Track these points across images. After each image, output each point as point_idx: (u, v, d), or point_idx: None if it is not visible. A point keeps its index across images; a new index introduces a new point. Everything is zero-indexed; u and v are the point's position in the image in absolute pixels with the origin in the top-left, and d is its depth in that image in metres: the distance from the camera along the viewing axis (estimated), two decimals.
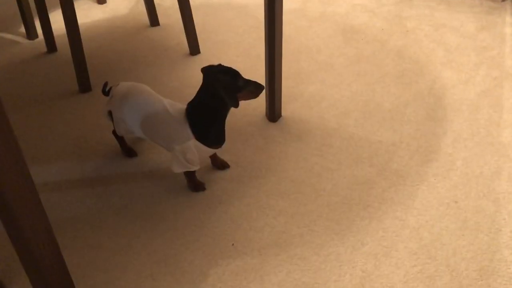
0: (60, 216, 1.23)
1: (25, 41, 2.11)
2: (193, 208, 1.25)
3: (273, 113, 1.56)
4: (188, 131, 1.19)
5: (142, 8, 2.29)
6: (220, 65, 1.21)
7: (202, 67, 1.21)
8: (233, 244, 1.15)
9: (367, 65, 1.86)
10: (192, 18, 1.89)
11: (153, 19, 2.19)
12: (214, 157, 1.36)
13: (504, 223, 1.18)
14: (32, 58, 1.98)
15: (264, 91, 1.23)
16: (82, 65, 1.69)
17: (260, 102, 1.54)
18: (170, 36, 2.10)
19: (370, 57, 1.91)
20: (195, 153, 1.21)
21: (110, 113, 1.33)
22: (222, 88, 1.15)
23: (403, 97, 1.67)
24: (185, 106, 1.22)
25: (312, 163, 1.39)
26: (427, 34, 2.07)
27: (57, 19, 2.11)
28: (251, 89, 1.21)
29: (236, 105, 1.17)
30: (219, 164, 1.38)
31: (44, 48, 2.02)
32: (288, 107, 1.63)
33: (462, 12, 2.25)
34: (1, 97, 0.66)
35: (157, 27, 2.18)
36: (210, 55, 1.95)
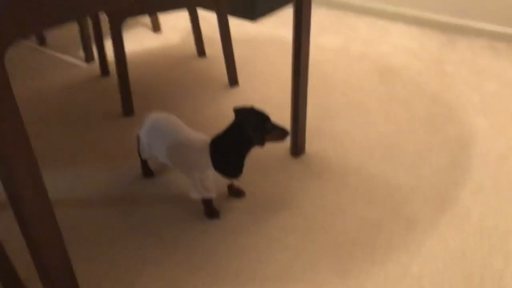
0: (79, 228, 1.35)
1: (83, 64, 2.31)
2: (205, 234, 1.32)
3: (296, 148, 1.62)
4: (208, 161, 1.27)
5: (193, 38, 2.44)
6: (252, 108, 1.29)
7: (235, 106, 1.30)
8: (236, 275, 1.20)
9: (399, 107, 1.88)
10: (232, 51, 2.00)
11: (200, 50, 2.33)
12: (230, 185, 1.44)
13: (511, 282, 1.16)
14: (87, 80, 2.16)
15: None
16: (126, 90, 1.84)
17: None
18: (213, 67, 2.23)
19: (403, 99, 1.93)
20: (212, 181, 1.30)
21: (138, 137, 1.44)
22: (251, 128, 1.24)
23: (429, 142, 1.67)
24: (208, 137, 1.31)
25: (327, 201, 1.43)
26: (465, 79, 2.06)
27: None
28: (277, 133, 1.29)
29: (262, 145, 1.26)
30: (235, 192, 1.45)
31: (98, 71, 2.21)
32: (313, 143, 1.68)
33: (508, 59, 2.21)
34: (21, 114, 0.77)
35: (203, 58, 2.32)
36: (247, 88, 2.05)
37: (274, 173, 1.55)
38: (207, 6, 1.87)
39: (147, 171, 1.54)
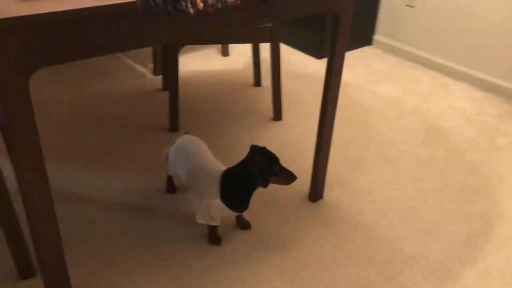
0: (94, 227, 1.50)
1: (150, 75, 2.52)
2: (201, 258, 1.41)
3: (313, 193, 1.66)
4: (216, 191, 1.37)
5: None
6: (265, 148, 1.37)
7: (253, 144, 1.39)
8: None
9: (432, 171, 1.85)
10: (280, 86, 2.09)
11: (257, 80, 2.45)
12: (238, 216, 1.52)
13: None
14: (148, 91, 2.36)
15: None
16: (175, 107, 1.99)
17: (307, 180, 1.67)
18: (263, 98, 2.33)
19: (440, 164, 1.89)
20: (218, 211, 1.39)
21: (167, 155, 1.57)
22: (257, 168, 1.32)
23: (451, 214, 1.63)
24: (224, 168, 1.40)
25: (325, 251, 1.46)
26: None
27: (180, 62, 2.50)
28: (284, 176, 1.36)
29: (265, 186, 1.33)
30: (241, 223, 1.53)
31: (161, 85, 2.40)
32: (333, 191, 1.71)
33: None
34: (34, 114, 0.91)
35: (257, 88, 2.43)
36: (290, 123, 2.12)
37: (285, 214, 1.60)
38: (262, 41, 1.98)
39: (171, 187, 1.67)
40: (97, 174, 1.74)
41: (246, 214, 1.56)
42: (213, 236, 1.47)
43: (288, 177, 1.36)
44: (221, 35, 1.90)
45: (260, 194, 1.68)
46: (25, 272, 1.32)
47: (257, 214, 1.58)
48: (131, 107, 2.20)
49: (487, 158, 1.94)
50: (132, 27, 0.95)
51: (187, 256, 1.42)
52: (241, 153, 1.88)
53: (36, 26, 0.83)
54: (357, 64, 2.76)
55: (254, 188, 1.36)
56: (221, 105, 2.25)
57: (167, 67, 1.95)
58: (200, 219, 1.41)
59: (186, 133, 1.56)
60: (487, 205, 1.69)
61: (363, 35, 2.98)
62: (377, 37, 3.00)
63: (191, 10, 0.99)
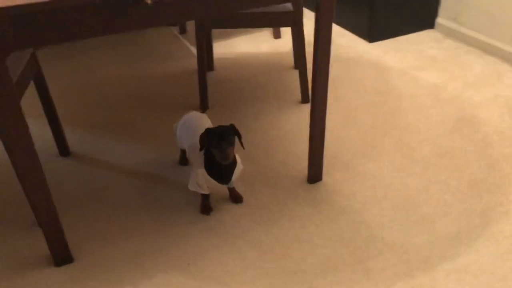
0: (103, 188, 1.71)
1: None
2: (190, 224, 1.57)
3: (311, 175, 1.72)
4: (202, 162, 1.50)
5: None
6: (231, 125, 1.47)
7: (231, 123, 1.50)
8: (188, 264, 1.43)
9: (448, 162, 1.79)
10: (305, 68, 2.13)
11: (296, 63, 2.50)
12: (231, 189, 1.64)
13: None
14: (193, 71, 2.54)
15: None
16: (203, 87, 2.14)
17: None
18: (297, 81, 2.38)
19: (459, 156, 1.82)
20: (204, 181, 1.52)
21: (176, 129, 1.73)
22: (210, 141, 1.44)
23: (450, 207, 1.59)
24: None
25: (305, 230, 1.53)
26: None
27: (219, 45, 2.67)
28: (217, 153, 1.44)
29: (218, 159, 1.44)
30: (233, 196, 1.65)
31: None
32: (334, 174, 1.75)
33: None
34: (12, 82, 1.12)
35: (295, 71, 2.48)
36: None
37: (279, 192, 1.69)
38: (284, 25, 2.04)
39: (182, 160, 1.84)
40: (123, 145, 1.97)
41: (241, 189, 1.67)
42: (204, 206, 1.61)
43: (218, 154, 1.43)
44: (243, 20, 2.00)
45: (260, 172, 1.78)
46: None
47: (253, 190, 1.69)
48: (173, 86, 2.40)
49: None
50: (96, 16, 1.11)
51: (179, 221, 1.58)
52: (260, 134, 1.98)
53: (8, 16, 1.02)
54: (408, 48, 2.67)
55: (217, 160, 1.46)
56: (255, 87, 2.36)
57: (203, 48, 2.10)
58: (190, 186, 1.56)
59: (193, 110, 1.71)
60: (494, 202, 1.61)
61: (424, 18, 2.85)
62: (439, 20, 2.85)
63: (149, 1, 1.12)
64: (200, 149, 1.46)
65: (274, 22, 2.04)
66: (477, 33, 2.61)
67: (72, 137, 2.01)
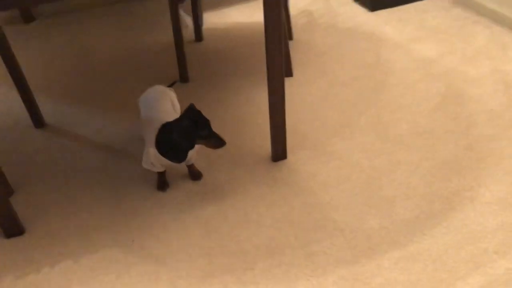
0: (70, 159, 1.72)
1: (190, 27, 2.64)
2: (144, 200, 1.56)
3: (274, 153, 1.66)
4: (153, 140, 1.47)
5: (297, 20, 2.50)
6: (199, 112, 1.42)
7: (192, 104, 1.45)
8: (133, 241, 1.42)
9: (423, 142, 1.68)
10: (285, 40, 2.04)
11: (289, 35, 2.40)
12: (189, 167, 1.61)
13: None
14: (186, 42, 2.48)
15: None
16: (181, 58, 2.10)
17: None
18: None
19: (438, 135, 1.70)
20: (155, 159, 1.50)
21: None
22: (178, 132, 1.39)
23: (414, 190, 1.50)
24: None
25: (256, 210, 1.48)
26: None
27: (211, 15, 2.59)
28: (212, 141, 1.42)
29: (190, 148, 1.40)
30: (191, 173, 1.62)
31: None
32: (299, 153, 1.68)
33: None
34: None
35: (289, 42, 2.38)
36: (298, 81, 2.08)
37: (240, 170, 1.64)
38: None
39: None
40: (98, 117, 1.97)
41: (201, 165, 1.64)
42: (159, 182, 1.59)
43: (215, 142, 1.41)
44: None
45: (225, 149, 1.73)
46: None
47: (214, 167, 1.66)
48: (159, 57, 2.37)
49: (499, 134, 1.68)
50: None
51: (133, 196, 1.58)
52: (234, 109, 1.92)
53: None
54: (410, 17, 2.50)
55: (182, 145, 1.42)
56: (240, 58, 2.29)
57: (178, 17, 2.04)
58: (144, 164, 1.54)
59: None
60: (464, 186, 1.50)
61: None
62: None
63: None
64: (190, 148, 1.42)
65: None
66: (488, 0, 2.40)
67: (49, 108, 2.03)
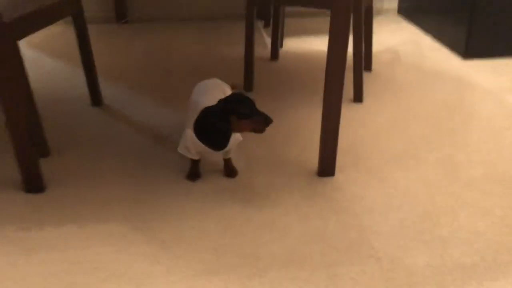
0: (109, 138, 1.66)
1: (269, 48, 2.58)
2: (169, 183, 1.44)
3: (320, 166, 1.48)
4: (192, 122, 1.37)
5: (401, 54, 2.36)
6: (241, 94, 1.31)
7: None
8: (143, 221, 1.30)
9: (500, 191, 1.41)
10: (361, 68, 1.90)
11: (367, 63, 2.25)
12: (226, 162, 1.47)
13: None
14: (261, 59, 2.42)
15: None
16: (248, 68, 2.03)
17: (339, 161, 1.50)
18: (367, 80, 2.13)
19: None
20: (191, 143, 1.38)
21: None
22: (217, 111, 1.28)
23: (477, 238, 1.23)
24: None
25: (285, 219, 1.30)
26: None
27: (292, 41, 2.52)
28: (255, 120, 1.28)
29: (228, 128, 1.28)
30: (226, 169, 1.48)
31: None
32: (351, 174, 1.49)
33: None
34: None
35: (366, 72, 2.23)
36: (368, 107, 1.91)
37: (277, 178, 1.48)
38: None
39: None
40: (151, 105, 1.93)
41: (239, 166, 1.50)
42: (191, 171, 1.47)
43: (258, 120, 1.27)
44: None
45: (270, 155, 1.59)
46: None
47: (252, 169, 1.51)
48: (230, 66, 2.32)
49: None
50: None
51: (161, 181, 1.46)
52: (293, 120, 1.78)
53: None
54: (507, 69, 2.25)
55: (219, 127, 1.31)
56: (307, 79, 2.17)
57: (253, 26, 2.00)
58: (179, 149, 1.43)
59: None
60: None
61: None
62: None
63: None
64: (227, 127, 1.29)
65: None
66: None
67: (110, 92, 2.03)
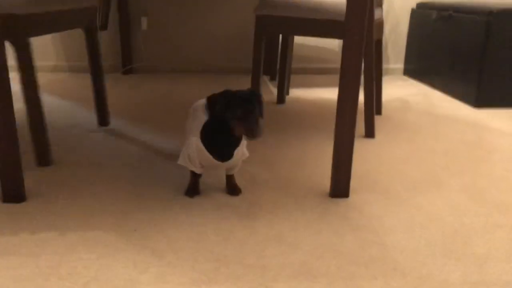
0: (106, 154, 1.54)
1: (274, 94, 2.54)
2: (164, 200, 1.30)
3: (333, 186, 1.34)
4: (199, 129, 1.26)
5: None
6: (252, 91, 1.22)
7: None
8: (135, 230, 1.14)
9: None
10: (372, 105, 1.83)
11: (377, 108, 2.18)
12: (229, 178, 1.34)
13: None
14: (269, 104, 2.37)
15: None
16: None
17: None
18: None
19: None
20: (196, 153, 1.26)
21: None
22: (221, 105, 1.18)
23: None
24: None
25: (295, 234, 1.14)
26: None
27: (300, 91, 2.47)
28: (244, 125, 1.17)
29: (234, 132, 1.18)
30: (230, 186, 1.34)
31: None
32: (367, 196, 1.35)
33: None
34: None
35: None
36: (385, 142, 1.80)
37: (286, 198, 1.33)
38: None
39: None
40: (154, 134, 1.83)
41: (243, 184, 1.37)
42: (190, 185, 1.34)
43: (247, 126, 1.15)
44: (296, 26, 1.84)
45: (276, 178, 1.46)
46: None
47: (257, 188, 1.37)
48: None
49: None
50: None
51: (158, 195, 1.32)
52: (300, 151, 1.68)
53: None
54: None
55: (226, 131, 1.20)
56: (319, 119, 2.09)
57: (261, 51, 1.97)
58: (180, 160, 1.31)
59: None
60: None
61: None
62: None
63: None
64: (212, 112, 1.20)
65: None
66: None
67: (116, 118, 1.96)
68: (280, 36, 2.57)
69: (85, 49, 1.77)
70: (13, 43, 1.31)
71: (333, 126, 1.30)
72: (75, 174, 1.45)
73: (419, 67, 2.94)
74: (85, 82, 1.90)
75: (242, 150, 1.30)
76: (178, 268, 1.00)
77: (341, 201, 1.32)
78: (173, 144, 1.73)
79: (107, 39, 2.92)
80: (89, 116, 1.99)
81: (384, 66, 3.15)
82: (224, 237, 1.12)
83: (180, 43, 3.02)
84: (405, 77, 3.09)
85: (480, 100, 2.32)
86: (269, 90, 2.64)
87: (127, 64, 2.95)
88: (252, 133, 1.15)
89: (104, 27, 2.73)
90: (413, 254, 1.07)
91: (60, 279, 0.95)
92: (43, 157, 1.49)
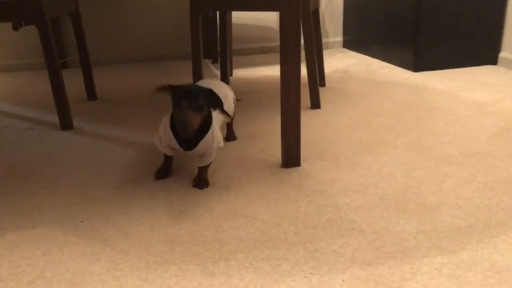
0: (97, 160, 1.46)
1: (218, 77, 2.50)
2: (130, 182, 1.24)
3: (284, 157, 1.33)
4: (170, 113, 1.22)
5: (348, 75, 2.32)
6: (210, 90, 1.18)
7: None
8: (82, 221, 1.08)
9: (477, 162, 1.31)
10: (317, 78, 1.83)
11: (321, 80, 2.19)
12: (199, 170, 1.27)
13: None
14: None
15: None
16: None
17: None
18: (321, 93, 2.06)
19: (496, 157, 1.33)
20: (163, 132, 1.22)
21: None
22: (179, 95, 1.13)
23: (465, 202, 1.10)
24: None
25: (251, 206, 1.12)
26: None
27: (240, 71, 2.43)
28: (178, 114, 1.14)
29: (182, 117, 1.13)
30: (196, 178, 1.26)
31: None
32: (318, 163, 1.34)
33: None
34: None
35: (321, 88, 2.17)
36: (332, 111, 1.81)
37: (237, 172, 1.31)
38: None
39: None
40: (135, 129, 1.75)
41: (192, 166, 1.33)
42: (159, 169, 1.30)
43: (180, 114, 1.12)
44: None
45: (227, 153, 1.43)
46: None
47: (213, 169, 1.34)
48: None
49: None
50: None
51: (104, 183, 1.26)
52: (262, 141, 1.65)
53: None
54: (459, 76, 2.26)
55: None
56: (265, 96, 2.07)
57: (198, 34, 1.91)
58: (155, 139, 1.27)
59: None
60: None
61: (483, 52, 2.45)
62: (503, 54, 2.43)
63: None
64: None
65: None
66: None
67: (79, 118, 1.84)
68: (218, 15, 2.52)
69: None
70: None
71: (279, 101, 1.28)
72: (11, 174, 1.36)
73: (358, 38, 2.98)
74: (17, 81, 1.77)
75: (210, 142, 1.22)
76: (132, 254, 0.95)
77: (294, 170, 1.31)
78: (117, 131, 1.66)
79: (36, 35, 2.76)
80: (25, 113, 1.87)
81: (324, 40, 3.17)
82: (178, 218, 1.08)
83: (116, 35, 2.91)
84: (345, 49, 3.13)
85: (419, 64, 2.38)
86: (212, 73, 2.59)
87: (60, 59, 2.81)
88: (182, 127, 1.14)
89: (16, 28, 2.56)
90: (368, 212, 1.07)
91: (2, 280, 0.88)
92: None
